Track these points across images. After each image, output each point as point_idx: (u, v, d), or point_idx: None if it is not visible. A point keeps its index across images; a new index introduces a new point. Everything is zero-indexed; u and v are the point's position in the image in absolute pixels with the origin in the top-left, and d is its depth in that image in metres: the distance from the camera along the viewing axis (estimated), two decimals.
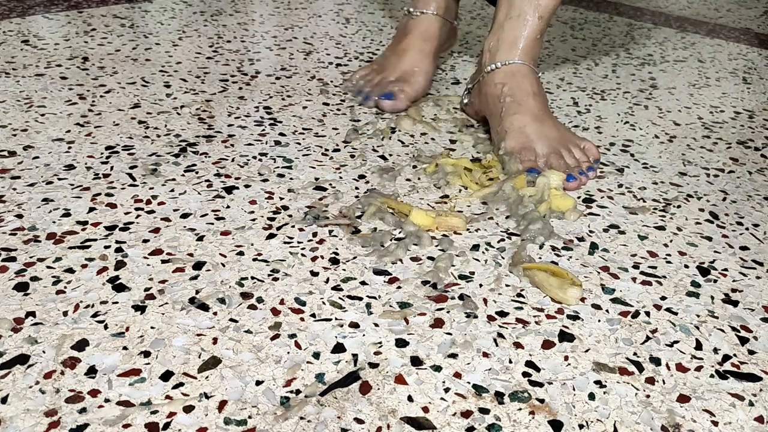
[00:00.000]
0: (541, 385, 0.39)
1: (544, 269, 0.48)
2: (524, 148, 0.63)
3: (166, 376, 0.38)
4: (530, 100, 0.67)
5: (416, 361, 0.40)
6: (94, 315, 0.42)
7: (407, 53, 0.79)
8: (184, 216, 0.53)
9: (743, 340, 0.44)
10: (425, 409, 0.37)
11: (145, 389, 0.37)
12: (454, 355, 0.41)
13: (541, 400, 0.38)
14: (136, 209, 0.54)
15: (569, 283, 0.47)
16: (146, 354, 0.39)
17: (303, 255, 0.49)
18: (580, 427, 0.37)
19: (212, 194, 0.57)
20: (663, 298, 0.48)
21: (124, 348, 0.39)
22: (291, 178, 0.60)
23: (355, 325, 0.43)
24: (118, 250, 0.48)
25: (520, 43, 0.69)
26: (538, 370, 0.40)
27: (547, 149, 0.63)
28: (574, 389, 0.39)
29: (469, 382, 0.39)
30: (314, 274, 0.47)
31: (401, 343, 0.42)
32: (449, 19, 0.82)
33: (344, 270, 0.48)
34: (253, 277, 0.47)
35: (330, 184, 0.60)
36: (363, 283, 0.47)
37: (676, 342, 0.44)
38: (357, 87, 0.80)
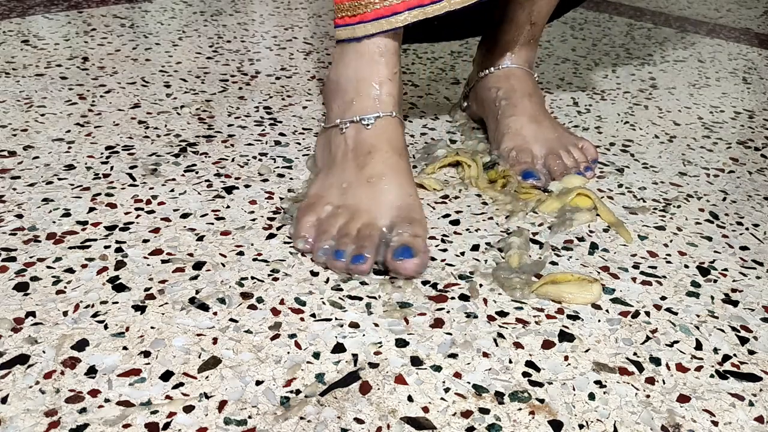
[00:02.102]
0: (541, 385, 0.39)
1: (551, 281, 0.47)
2: (521, 150, 0.63)
3: (166, 376, 0.38)
4: (526, 102, 0.66)
5: (416, 361, 0.40)
6: (94, 315, 0.42)
7: (386, 180, 0.52)
8: (184, 216, 0.53)
9: (743, 340, 0.44)
10: (425, 409, 0.37)
11: (145, 389, 0.37)
12: (454, 355, 0.41)
13: (541, 400, 0.38)
14: (136, 209, 0.54)
15: (585, 282, 0.47)
16: (146, 354, 0.39)
17: (303, 255, 0.49)
18: (580, 427, 0.37)
19: (212, 194, 0.57)
20: (663, 298, 0.48)
21: (124, 348, 0.39)
22: (291, 178, 0.60)
23: (355, 325, 0.43)
24: (118, 250, 0.48)
25: (513, 48, 0.68)
26: (538, 370, 0.40)
27: (544, 150, 0.63)
28: (574, 389, 0.39)
29: (469, 382, 0.39)
30: (314, 274, 0.47)
31: (401, 343, 0.42)
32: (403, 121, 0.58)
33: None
34: (253, 277, 0.47)
35: None
36: (363, 283, 0.47)
37: (676, 342, 0.44)
38: (323, 247, 0.49)
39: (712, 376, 0.41)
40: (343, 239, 0.48)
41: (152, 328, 0.41)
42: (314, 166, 0.61)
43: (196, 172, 0.60)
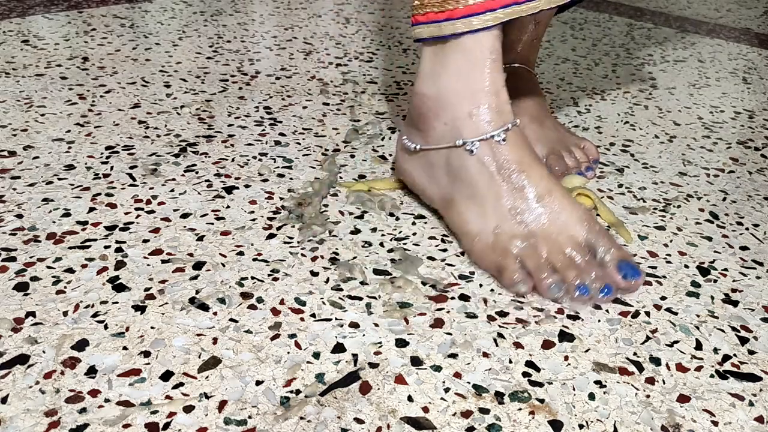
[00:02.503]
0: (541, 385, 0.39)
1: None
2: None
3: (166, 376, 0.38)
4: (528, 102, 0.66)
5: (416, 361, 0.40)
6: (94, 315, 0.42)
7: (554, 194, 0.49)
8: (184, 216, 0.53)
9: (743, 340, 0.44)
10: (425, 409, 0.37)
11: (145, 389, 0.37)
12: (454, 355, 0.41)
13: (541, 400, 0.38)
14: (136, 209, 0.54)
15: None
16: (146, 354, 0.39)
17: (303, 255, 0.49)
18: (580, 427, 0.37)
19: (212, 194, 0.57)
20: (663, 298, 0.48)
21: (124, 348, 0.39)
22: (291, 178, 0.60)
23: (355, 325, 0.43)
24: (118, 250, 0.48)
25: (517, 47, 0.68)
26: (538, 370, 0.40)
27: (546, 150, 0.63)
28: (574, 389, 0.39)
29: (469, 382, 0.39)
30: (314, 274, 0.47)
31: (401, 343, 0.42)
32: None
33: (344, 270, 0.48)
34: (253, 277, 0.47)
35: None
36: (363, 283, 0.47)
37: (676, 342, 0.44)
38: (557, 285, 0.46)
39: (712, 376, 0.41)
40: (570, 273, 0.46)
41: (152, 328, 0.41)
42: (442, 191, 0.53)
43: (196, 172, 0.60)
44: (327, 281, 0.47)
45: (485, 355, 0.41)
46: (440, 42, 0.51)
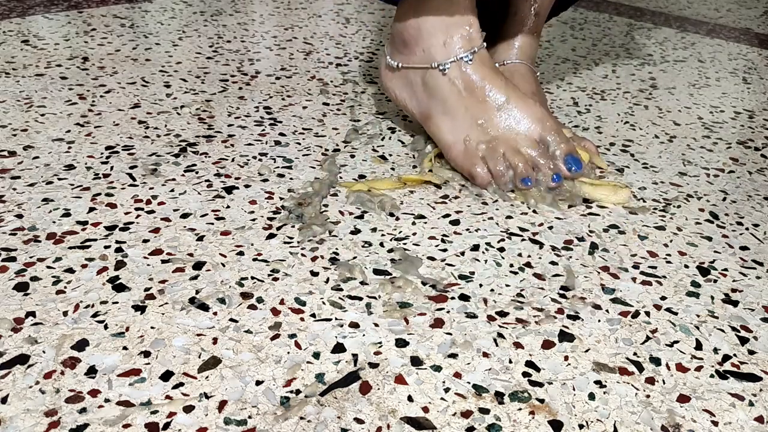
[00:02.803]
0: (541, 385, 0.39)
1: (589, 183, 0.58)
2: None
3: (166, 376, 0.38)
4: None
5: (416, 361, 0.40)
6: (94, 315, 0.42)
7: (512, 101, 0.59)
8: (184, 216, 0.53)
9: (743, 340, 0.44)
10: (425, 409, 0.37)
11: (145, 389, 0.37)
12: (454, 355, 0.41)
13: (541, 400, 0.38)
14: (136, 209, 0.54)
15: (616, 187, 0.58)
16: (146, 354, 0.39)
17: (303, 255, 0.49)
18: (580, 427, 0.37)
19: (212, 194, 0.57)
20: (663, 298, 0.48)
21: (124, 348, 0.39)
22: (291, 178, 0.60)
23: (355, 325, 0.43)
24: (118, 250, 0.48)
25: (517, 42, 0.69)
26: (538, 370, 0.40)
27: None
28: (574, 389, 0.39)
29: (469, 382, 0.39)
30: (314, 274, 0.47)
31: (401, 343, 0.42)
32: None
33: (344, 270, 0.48)
34: (253, 277, 0.47)
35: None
36: (363, 283, 0.47)
37: (676, 342, 0.44)
38: (509, 181, 0.58)
39: (712, 376, 0.41)
40: (523, 167, 0.56)
41: (152, 328, 0.41)
42: (421, 108, 0.64)
43: (196, 172, 0.60)
44: (327, 281, 0.47)
45: (485, 355, 0.41)
46: None
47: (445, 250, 0.51)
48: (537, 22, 0.69)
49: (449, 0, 0.59)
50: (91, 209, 0.53)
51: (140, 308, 0.43)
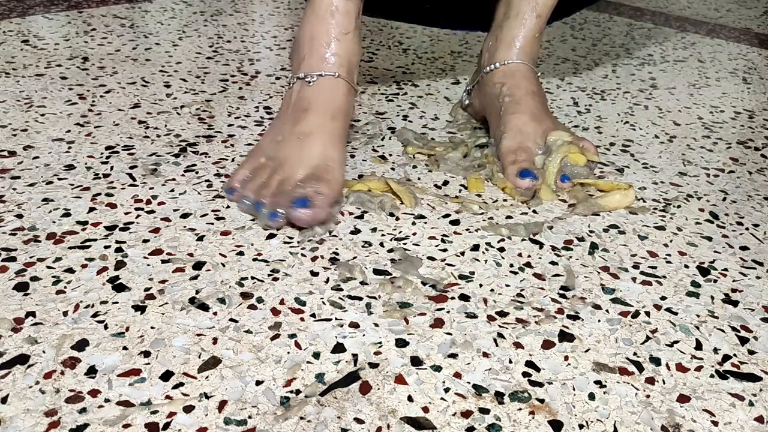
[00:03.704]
0: (541, 385, 0.39)
1: (592, 184, 0.61)
2: (520, 147, 0.63)
3: (166, 376, 0.38)
4: (529, 100, 0.66)
5: (416, 361, 0.40)
6: (94, 315, 0.42)
7: (312, 139, 0.55)
8: (184, 216, 0.53)
9: (743, 340, 0.44)
10: (425, 409, 0.37)
11: (145, 389, 0.37)
12: (454, 355, 0.41)
13: (541, 400, 0.38)
14: (136, 209, 0.54)
15: (623, 189, 0.59)
16: (146, 354, 0.39)
17: (303, 255, 0.49)
18: (580, 427, 0.37)
19: (212, 194, 0.57)
20: (663, 298, 0.48)
21: (124, 348, 0.39)
22: None
23: (355, 325, 0.43)
24: (118, 250, 0.48)
25: (518, 43, 0.69)
26: (538, 370, 0.40)
27: (545, 149, 0.63)
28: (574, 389, 0.39)
29: (469, 382, 0.39)
30: (314, 274, 0.47)
31: (401, 343, 0.42)
32: (353, 84, 0.59)
33: (344, 270, 0.48)
34: (253, 277, 0.47)
35: None
36: (363, 283, 0.47)
37: (676, 342, 0.44)
38: (246, 197, 0.54)
39: (712, 376, 0.41)
40: (263, 192, 0.53)
41: (152, 328, 0.41)
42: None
43: (196, 172, 0.60)
44: (327, 281, 0.47)
45: (485, 355, 0.41)
46: None
47: (445, 250, 0.51)
48: (538, 23, 0.69)
49: (317, 15, 0.58)
50: (91, 209, 0.53)
51: (140, 308, 0.43)
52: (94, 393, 0.36)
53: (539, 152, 0.63)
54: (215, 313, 0.43)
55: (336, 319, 0.43)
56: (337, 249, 0.50)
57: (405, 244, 0.52)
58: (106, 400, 0.36)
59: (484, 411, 0.37)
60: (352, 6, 0.58)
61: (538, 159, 0.62)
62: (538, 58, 0.71)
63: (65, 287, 0.44)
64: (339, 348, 0.41)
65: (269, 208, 0.52)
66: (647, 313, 0.46)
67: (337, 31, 0.57)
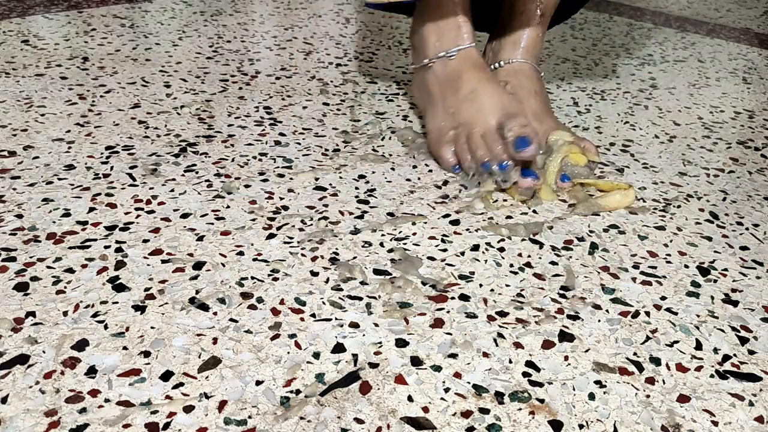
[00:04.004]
0: (541, 385, 0.39)
1: (592, 184, 0.61)
2: None
3: (166, 376, 0.38)
4: (531, 99, 0.67)
5: (416, 361, 0.40)
6: (94, 315, 0.42)
7: (481, 90, 0.62)
8: (184, 216, 0.53)
9: (743, 340, 0.44)
10: (425, 409, 0.37)
11: (145, 389, 0.37)
12: (454, 355, 0.41)
13: (541, 400, 0.38)
14: (136, 209, 0.54)
15: (623, 189, 0.59)
16: (146, 354, 0.39)
17: (303, 255, 0.49)
18: (580, 427, 0.37)
19: (212, 194, 0.57)
20: (663, 298, 0.48)
21: (124, 348, 0.39)
22: (291, 178, 0.60)
23: (355, 325, 0.43)
24: (118, 250, 0.48)
25: (522, 42, 0.70)
26: (538, 370, 0.40)
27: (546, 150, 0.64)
28: (574, 389, 0.39)
29: (469, 382, 0.39)
30: (314, 274, 0.47)
31: (401, 343, 0.42)
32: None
33: (344, 270, 0.48)
34: (253, 277, 0.47)
35: (330, 184, 0.60)
36: (363, 283, 0.47)
37: (676, 342, 0.44)
38: (465, 160, 0.61)
39: (712, 376, 0.41)
40: (478, 152, 0.59)
41: (152, 328, 0.41)
42: (420, 101, 0.72)
43: (196, 172, 0.60)
44: (327, 281, 0.47)
45: (485, 355, 0.41)
46: None
47: (445, 250, 0.51)
48: (542, 21, 0.70)
49: (440, 7, 0.66)
50: (91, 209, 0.53)
51: (140, 308, 0.43)
52: (94, 393, 0.36)
53: (540, 152, 0.63)
54: (215, 313, 0.43)
55: (336, 319, 0.43)
56: (337, 249, 0.50)
57: (405, 244, 0.52)
58: (106, 400, 0.36)
59: (484, 411, 0.37)
60: None
61: (539, 159, 0.62)
62: (540, 56, 0.72)
63: (65, 287, 0.44)
64: (339, 348, 0.41)
65: (496, 160, 0.58)
66: (647, 313, 0.46)
67: (462, 15, 0.66)
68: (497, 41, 0.71)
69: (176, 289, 0.45)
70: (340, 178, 0.61)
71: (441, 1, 0.66)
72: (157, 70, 0.84)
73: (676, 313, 0.46)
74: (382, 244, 0.51)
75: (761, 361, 0.43)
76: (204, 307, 0.43)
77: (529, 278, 0.49)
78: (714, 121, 0.82)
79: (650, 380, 0.40)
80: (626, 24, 1.29)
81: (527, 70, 0.69)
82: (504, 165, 0.58)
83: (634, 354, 0.42)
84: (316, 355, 0.40)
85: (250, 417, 0.35)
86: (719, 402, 0.39)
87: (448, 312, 0.45)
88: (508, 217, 0.57)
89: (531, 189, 0.59)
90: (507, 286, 0.48)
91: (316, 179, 0.60)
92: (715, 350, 0.43)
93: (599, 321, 0.45)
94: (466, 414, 0.37)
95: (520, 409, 0.37)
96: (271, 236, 0.51)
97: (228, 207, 0.55)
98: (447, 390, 0.38)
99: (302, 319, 0.43)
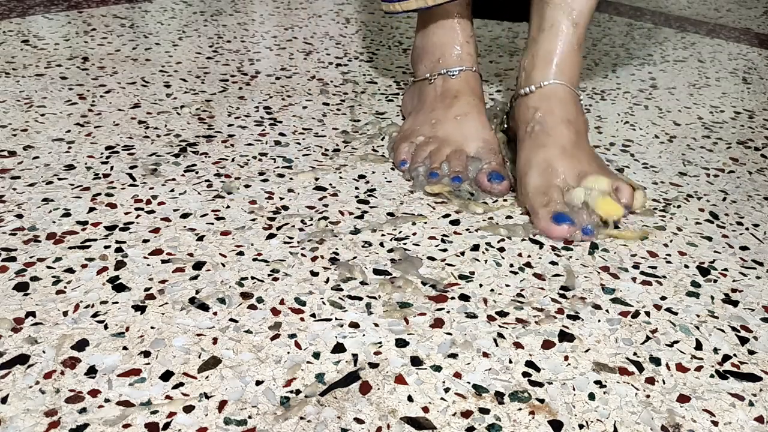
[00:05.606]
0: (541, 385, 0.39)
1: (618, 236, 0.55)
2: (552, 186, 0.55)
3: (166, 376, 0.38)
4: (563, 130, 0.58)
5: (416, 361, 0.40)
6: (94, 315, 0.42)
7: (471, 118, 0.63)
8: (184, 216, 0.53)
9: (743, 340, 0.44)
10: (425, 409, 0.37)
11: (145, 389, 0.37)
12: (454, 355, 0.41)
13: (541, 400, 0.38)
14: (136, 209, 0.54)
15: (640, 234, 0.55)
16: (146, 354, 0.39)
17: (303, 255, 0.49)
18: (580, 427, 0.37)
19: (212, 194, 0.57)
20: (663, 298, 0.48)
21: (124, 348, 0.39)
22: (291, 178, 0.60)
23: (355, 325, 0.43)
24: (118, 250, 0.48)
25: (555, 58, 0.60)
26: (538, 370, 0.40)
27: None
28: (574, 389, 0.39)
29: (469, 382, 0.39)
30: (314, 274, 0.47)
31: (401, 343, 0.42)
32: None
33: (344, 270, 0.48)
34: (253, 277, 0.47)
35: (330, 184, 0.60)
36: (363, 283, 0.47)
37: (676, 342, 0.44)
38: (420, 170, 0.60)
39: (712, 376, 0.41)
40: (436, 163, 0.60)
41: (152, 328, 0.41)
42: (407, 107, 0.73)
43: (196, 172, 0.60)
44: (327, 281, 0.47)
45: (485, 355, 0.41)
46: (426, 11, 0.68)
47: (445, 250, 0.51)
48: (576, 33, 0.60)
49: (444, 27, 0.68)
50: (91, 209, 0.53)
51: (140, 308, 0.43)
52: (94, 393, 0.36)
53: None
54: (215, 313, 0.43)
55: (336, 319, 0.43)
56: (337, 249, 0.50)
57: (405, 244, 0.52)
58: (106, 400, 0.36)
59: (484, 411, 0.37)
60: (468, 15, 0.69)
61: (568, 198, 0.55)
62: (579, 74, 0.63)
63: (65, 287, 0.44)
64: (339, 348, 0.41)
65: (452, 174, 0.59)
66: (647, 313, 0.46)
67: (465, 36, 0.67)
68: (529, 59, 0.62)
69: (176, 289, 0.45)
70: (340, 178, 0.61)
71: (442, 20, 0.67)
72: (157, 70, 0.84)
73: (676, 313, 0.46)
74: (382, 244, 0.51)
75: (761, 361, 0.43)
76: (204, 307, 0.43)
77: (529, 278, 0.49)
78: (714, 121, 0.82)
79: (650, 380, 0.40)
80: (626, 24, 1.29)
81: (561, 93, 0.60)
82: (458, 179, 0.59)
83: (634, 354, 0.42)
84: (316, 355, 0.40)
85: (250, 417, 0.36)
86: (719, 402, 0.39)
87: (448, 312, 0.45)
88: (508, 217, 0.57)
89: (504, 192, 0.59)
90: (507, 286, 0.48)
91: (316, 179, 0.60)
92: (715, 350, 0.43)
93: (599, 321, 0.45)
94: (466, 414, 0.37)
95: (520, 409, 0.37)
96: (271, 236, 0.51)
97: (228, 207, 0.55)
98: (447, 390, 0.38)
99: (302, 319, 0.43)
